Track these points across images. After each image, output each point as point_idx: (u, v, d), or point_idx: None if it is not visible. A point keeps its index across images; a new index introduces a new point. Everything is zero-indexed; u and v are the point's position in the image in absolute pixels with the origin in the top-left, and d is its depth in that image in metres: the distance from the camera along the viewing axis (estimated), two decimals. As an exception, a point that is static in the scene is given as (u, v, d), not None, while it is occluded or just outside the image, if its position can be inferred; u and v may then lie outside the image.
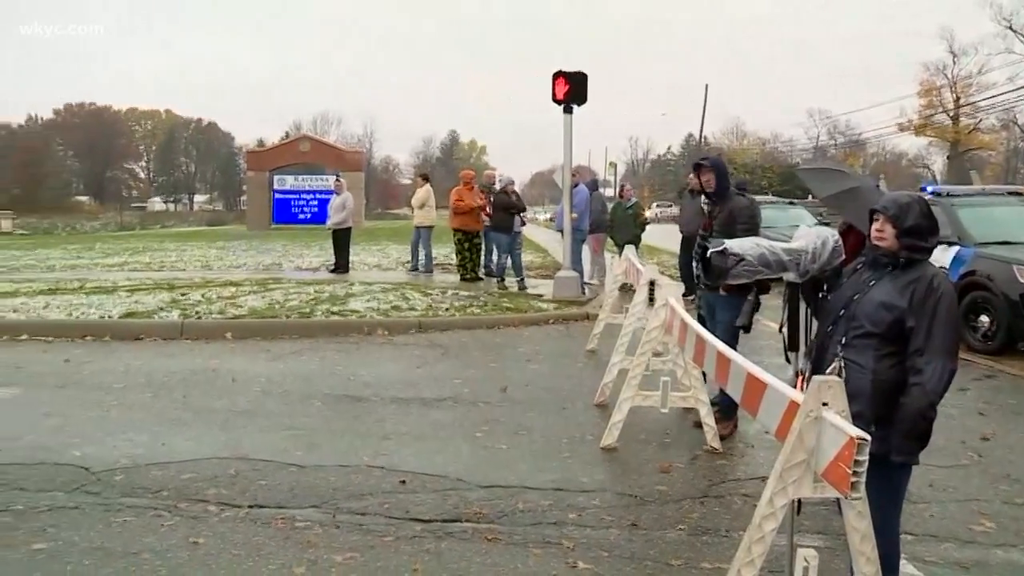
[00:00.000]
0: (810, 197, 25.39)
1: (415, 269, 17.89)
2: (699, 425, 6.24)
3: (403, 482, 5.22)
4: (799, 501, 3.19)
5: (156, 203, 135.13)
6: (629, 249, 9.44)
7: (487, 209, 15.40)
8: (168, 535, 4.40)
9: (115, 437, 6.12)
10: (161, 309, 11.52)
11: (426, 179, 19.16)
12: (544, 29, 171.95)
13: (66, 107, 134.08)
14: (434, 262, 18.62)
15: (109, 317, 10.91)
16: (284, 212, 45.39)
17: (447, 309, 12.10)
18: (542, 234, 39.24)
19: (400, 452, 5.84)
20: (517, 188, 16.38)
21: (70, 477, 5.23)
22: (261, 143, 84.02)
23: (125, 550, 4.20)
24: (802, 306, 4.11)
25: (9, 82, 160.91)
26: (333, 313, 11.50)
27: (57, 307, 11.73)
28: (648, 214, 44.74)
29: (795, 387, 3.64)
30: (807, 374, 3.62)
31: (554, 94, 13.54)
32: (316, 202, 43.82)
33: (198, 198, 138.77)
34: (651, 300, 6.49)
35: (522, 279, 15.00)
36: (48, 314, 11.17)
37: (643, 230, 15.67)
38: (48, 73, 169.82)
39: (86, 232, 53.50)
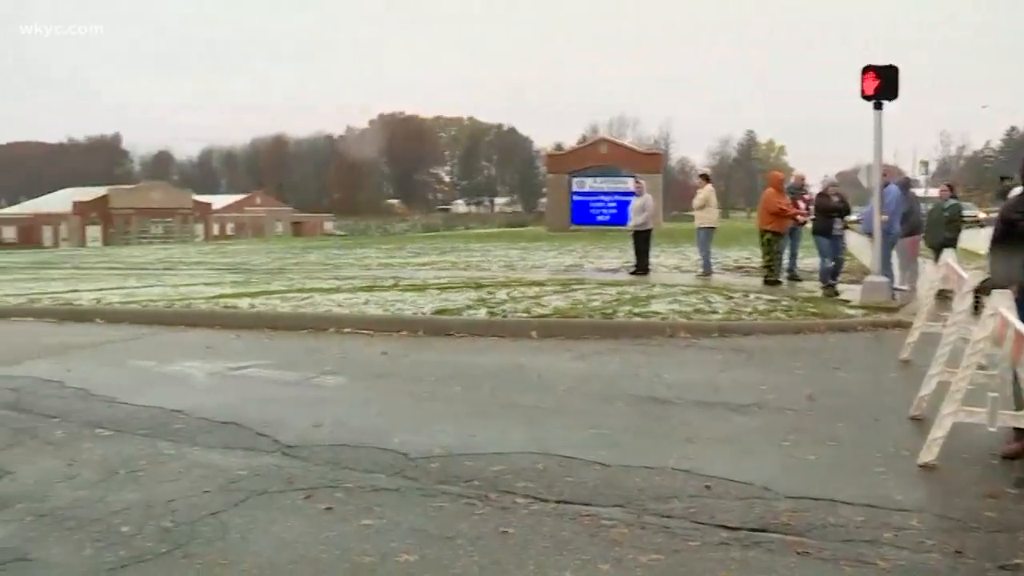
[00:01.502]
0: None
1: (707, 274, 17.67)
2: (1012, 456, 5.70)
3: (708, 487, 5.17)
4: None
5: (459, 205, 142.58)
6: (949, 253, 8.80)
7: (799, 212, 15.11)
8: (480, 523, 4.64)
9: (430, 427, 6.56)
10: (469, 307, 12.20)
11: (707, 180, 18.88)
12: (843, 23, 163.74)
13: (379, 117, 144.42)
14: (714, 264, 18.32)
15: (422, 313, 11.72)
16: (583, 213, 46.43)
17: (750, 313, 11.86)
18: (847, 237, 37.30)
19: (705, 456, 5.80)
20: (819, 189, 15.87)
21: (391, 461, 5.66)
22: (559, 146, 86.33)
23: (441, 533, 4.48)
24: None
25: (330, 98, 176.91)
26: (635, 314, 11.63)
27: (375, 303, 12.78)
28: (980, 215, 41.32)
29: None
30: None
31: (863, 90, 12.95)
32: (614, 204, 44.44)
33: (498, 200, 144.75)
34: (976, 308, 6.02)
35: (834, 284, 14.40)
36: (368, 309, 12.20)
37: (958, 233, 14.52)
38: (365, 87, 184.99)
39: (396, 233, 57.46)
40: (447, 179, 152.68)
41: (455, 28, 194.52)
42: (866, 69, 12.95)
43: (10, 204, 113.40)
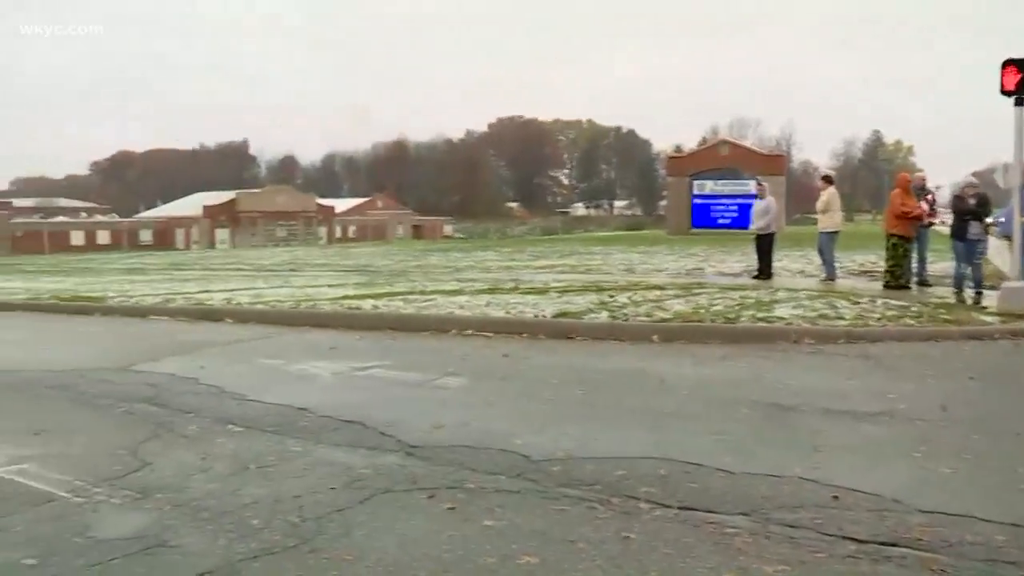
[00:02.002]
0: None
1: (830, 278, 17.18)
2: None
3: (835, 497, 5.02)
4: None
5: (578, 208, 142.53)
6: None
7: (923, 213, 14.63)
8: (602, 527, 4.61)
9: (551, 429, 6.57)
10: (590, 310, 12.18)
11: (829, 182, 18.33)
12: (980, 14, 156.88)
13: (498, 120, 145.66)
14: (839, 269, 17.79)
15: (543, 316, 11.77)
16: (703, 216, 45.91)
17: (878, 319, 11.48)
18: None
19: (832, 466, 5.63)
20: (946, 190, 15.38)
21: (512, 463, 5.69)
22: (679, 149, 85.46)
23: (563, 536, 4.48)
24: None
25: (452, 103, 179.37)
26: (758, 319, 11.40)
27: (496, 305, 12.89)
28: None
29: None
30: None
31: (1002, 85, 12.39)
32: (735, 207, 43.82)
33: (617, 203, 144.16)
34: None
35: (980, 291, 13.77)
36: (489, 312, 12.32)
37: None
38: (484, 90, 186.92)
39: (515, 236, 57.81)
40: (566, 182, 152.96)
41: (573, 30, 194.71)
42: (1007, 63, 12.40)
43: (147, 208, 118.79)
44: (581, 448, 6.03)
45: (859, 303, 12.91)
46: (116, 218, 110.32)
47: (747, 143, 75.16)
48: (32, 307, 17.71)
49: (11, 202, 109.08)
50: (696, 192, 46.24)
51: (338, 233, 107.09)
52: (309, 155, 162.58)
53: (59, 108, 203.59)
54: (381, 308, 13.34)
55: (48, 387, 8.67)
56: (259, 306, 14.54)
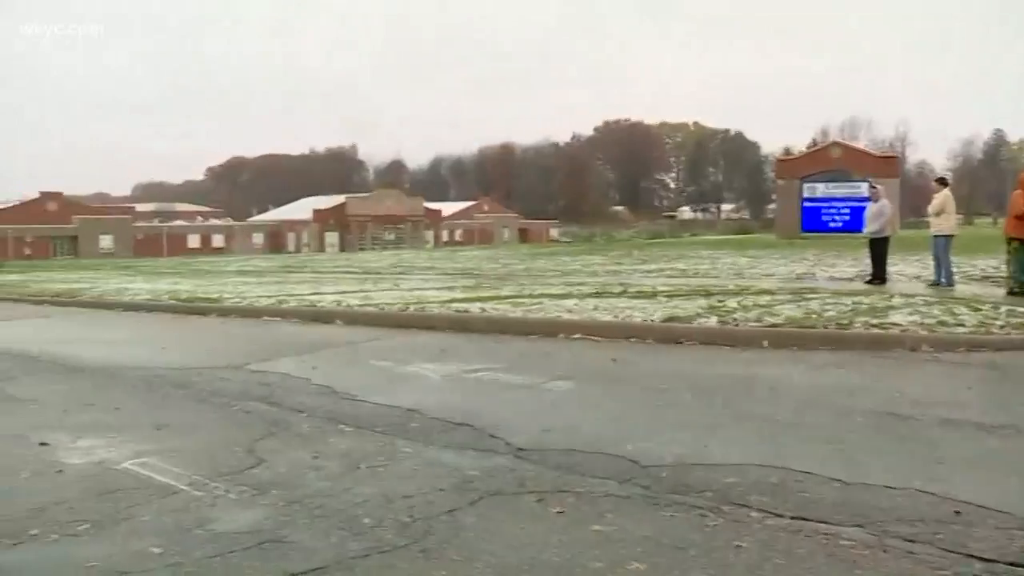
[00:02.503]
0: None
1: (936, 283, 16.56)
2: None
3: (958, 512, 4.82)
4: None
5: (685, 212, 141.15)
6: None
7: None
8: (713, 535, 4.54)
9: (660, 435, 6.51)
10: (699, 315, 12.03)
11: (944, 184, 17.64)
12: None
13: (604, 124, 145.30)
14: (958, 274, 17.13)
15: (651, 321, 11.67)
16: (814, 220, 44.91)
17: (1002, 327, 11.01)
18: None
19: (953, 479, 5.41)
20: None
21: (622, 468, 5.65)
22: (787, 151, 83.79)
23: (672, 543, 4.42)
24: None
25: (557, 107, 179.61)
26: (872, 325, 11.08)
27: (604, 309, 12.85)
28: None
29: None
30: None
31: None
32: (847, 210, 42.76)
33: (725, 206, 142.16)
34: None
35: None
36: (597, 316, 12.29)
37: None
38: (590, 94, 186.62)
39: (621, 239, 57.49)
40: (672, 185, 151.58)
41: (681, 32, 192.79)
42: None
43: (259, 212, 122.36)
44: (692, 454, 5.96)
45: (980, 310, 12.42)
46: (230, 222, 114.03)
47: (859, 144, 73.27)
48: (152, 307, 18.44)
49: (133, 207, 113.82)
50: (806, 195, 45.26)
51: (444, 237, 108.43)
52: (416, 159, 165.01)
53: (177, 116, 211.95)
54: (489, 311, 13.44)
55: (170, 384, 9.01)
56: (369, 308, 14.81)
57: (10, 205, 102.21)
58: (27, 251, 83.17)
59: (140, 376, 9.62)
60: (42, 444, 6.60)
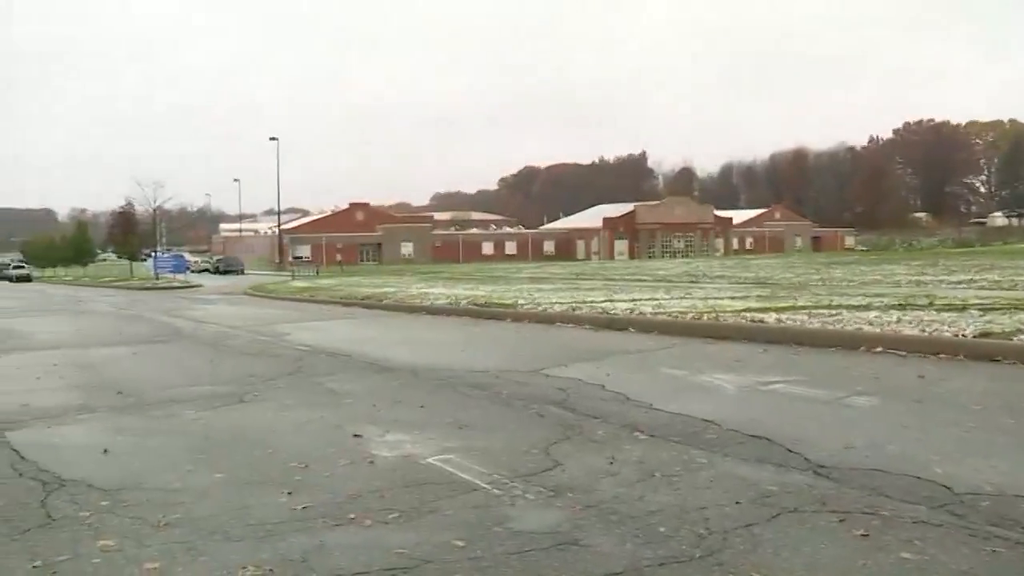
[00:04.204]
0: None
1: None
2: None
3: None
4: None
5: (997, 218, 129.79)
6: None
7: None
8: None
9: (975, 460, 5.98)
10: (1019, 331, 10.97)
11: None
12: None
13: (904, 125, 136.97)
14: None
15: (962, 335, 10.79)
16: None
17: None
18: None
19: None
20: None
21: (931, 493, 5.25)
22: None
23: (998, 580, 4.07)
24: None
25: (852, 108, 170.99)
26: None
27: (908, 322, 12.04)
28: None
29: None
30: None
31: None
32: None
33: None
34: None
35: None
36: (901, 329, 11.53)
37: None
38: (888, 95, 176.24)
39: (923, 248, 53.87)
40: (982, 189, 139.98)
41: (991, 23, 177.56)
42: None
43: (550, 220, 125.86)
44: (1014, 485, 5.41)
45: None
46: (522, 229, 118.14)
47: None
48: (451, 311, 19.44)
49: (432, 215, 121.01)
50: None
51: (734, 245, 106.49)
52: (706, 166, 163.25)
53: (472, 127, 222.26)
54: (785, 322, 12.98)
55: (469, 385, 9.46)
56: (661, 316, 14.79)
57: (325, 215, 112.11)
58: (338, 257, 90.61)
59: (442, 376, 10.16)
60: (356, 436, 7.17)
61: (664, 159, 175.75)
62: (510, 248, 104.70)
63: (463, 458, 6.31)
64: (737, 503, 5.13)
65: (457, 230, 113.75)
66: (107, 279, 65.79)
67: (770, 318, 13.43)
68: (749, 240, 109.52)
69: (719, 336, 12.69)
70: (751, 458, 6.12)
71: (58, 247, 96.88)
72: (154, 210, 63.24)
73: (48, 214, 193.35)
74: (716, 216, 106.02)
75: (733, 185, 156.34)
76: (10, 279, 79.72)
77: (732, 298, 18.30)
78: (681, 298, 19.11)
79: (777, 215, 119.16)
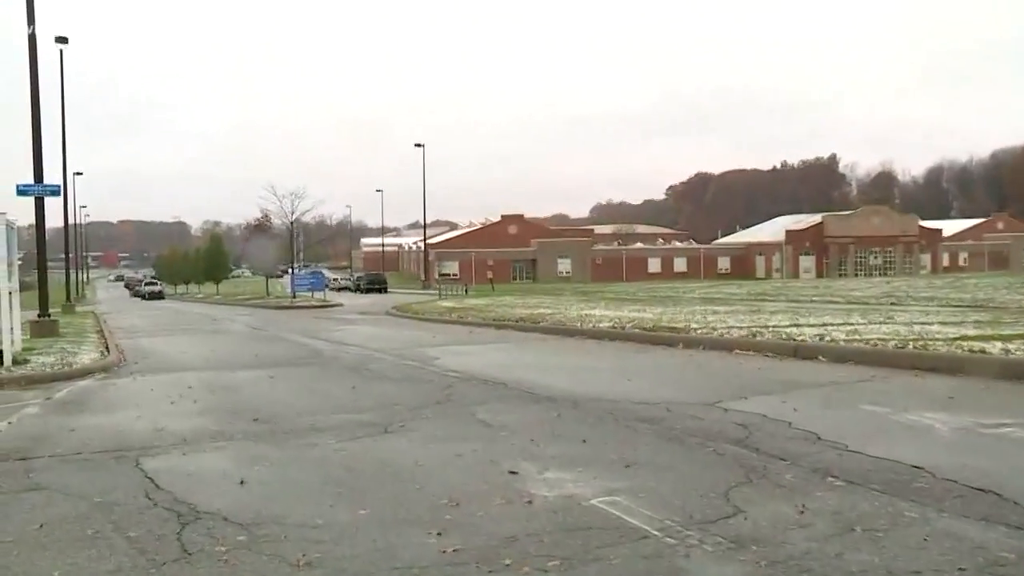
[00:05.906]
0: None
1: None
2: None
3: None
4: None
5: None
6: None
7: None
8: None
9: None
10: None
11: None
12: None
13: None
14: None
15: None
16: None
17: None
18: None
19: None
20: None
21: None
22: None
23: None
24: None
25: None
26: None
27: None
28: None
29: None
30: None
31: None
32: None
33: None
34: None
35: None
36: None
37: None
38: None
39: None
40: None
41: None
42: None
43: (725, 233, 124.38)
44: None
45: None
46: (693, 244, 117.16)
47: None
48: (616, 335, 19.37)
49: (592, 229, 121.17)
50: None
51: (945, 261, 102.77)
52: (909, 169, 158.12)
53: (636, 133, 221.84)
54: (1014, 352, 12.29)
55: (636, 419, 9.37)
56: (857, 344, 14.32)
57: (475, 228, 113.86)
58: (489, 274, 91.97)
59: (606, 408, 10.10)
60: (511, 472, 7.18)
61: (857, 162, 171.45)
62: (679, 265, 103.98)
63: (631, 500, 6.23)
64: (961, 569, 4.82)
65: (620, 245, 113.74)
66: (241, 296, 68.90)
67: (993, 348, 12.76)
68: (963, 256, 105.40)
69: (928, 368, 12.13)
70: (974, 515, 5.76)
71: (191, 260, 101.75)
72: (291, 222, 65.71)
73: (182, 227, 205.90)
74: (921, 227, 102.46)
75: (943, 191, 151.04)
76: (143, 296, 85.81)
77: (943, 323, 17.54)
78: (881, 323, 18.47)
79: (1000, 225, 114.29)
